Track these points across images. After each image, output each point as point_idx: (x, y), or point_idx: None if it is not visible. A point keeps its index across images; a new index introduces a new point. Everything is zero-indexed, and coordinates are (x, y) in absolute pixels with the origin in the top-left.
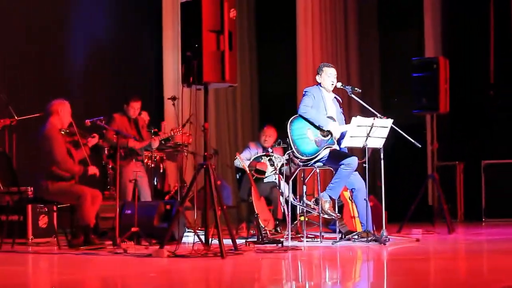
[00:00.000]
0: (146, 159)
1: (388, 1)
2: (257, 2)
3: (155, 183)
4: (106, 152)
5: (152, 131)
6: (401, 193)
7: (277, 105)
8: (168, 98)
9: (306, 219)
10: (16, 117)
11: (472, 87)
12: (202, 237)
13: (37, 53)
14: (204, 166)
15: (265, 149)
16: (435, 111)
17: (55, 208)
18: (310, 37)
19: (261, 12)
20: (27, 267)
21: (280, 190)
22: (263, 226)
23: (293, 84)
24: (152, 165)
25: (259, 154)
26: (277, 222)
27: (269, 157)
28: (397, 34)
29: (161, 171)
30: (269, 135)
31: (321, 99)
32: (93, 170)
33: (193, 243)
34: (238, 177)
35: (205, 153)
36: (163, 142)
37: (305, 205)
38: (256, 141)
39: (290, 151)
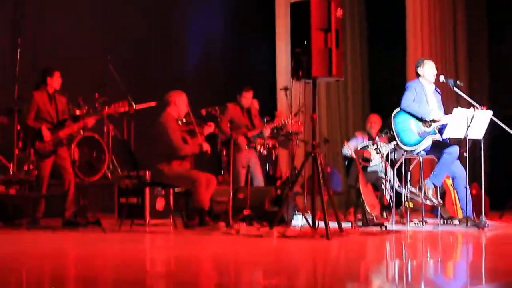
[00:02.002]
0: (259, 146)
1: None
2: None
3: (267, 169)
4: (220, 139)
5: (265, 119)
6: (504, 182)
7: (387, 98)
8: (281, 89)
9: (412, 205)
10: (134, 105)
11: None
12: (310, 220)
13: (156, 46)
14: (312, 155)
15: (371, 137)
16: None
17: (172, 191)
18: (419, 33)
19: (372, 9)
20: (145, 245)
21: (387, 177)
22: (369, 211)
23: (402, 79)
24: (265, 152)
25: (365, 143)
26: (383, 208)
27: (375, 146)
28: (506, 30)
29: (273, 158)
30: (374, 122)
31: (423, 92)
32: (206, 146)
33: (301, 225)
34: (346, 164)
35: (313, 142)
36: (275, 130)
37: (409, 191)
38: (362, 130)
39: (394, 143)
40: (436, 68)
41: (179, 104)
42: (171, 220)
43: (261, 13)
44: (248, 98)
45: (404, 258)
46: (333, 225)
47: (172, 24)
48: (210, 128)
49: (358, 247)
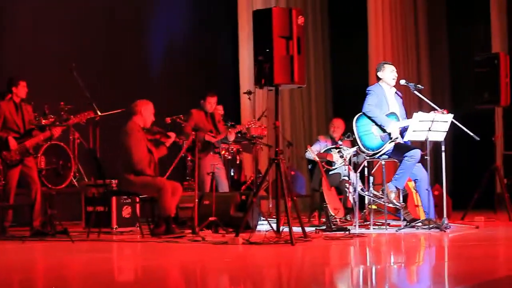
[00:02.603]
0: (223, 151)
1: None
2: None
3: (232, 174)
4: (185, 145)
5: (229, 124)
6: (467, 183)
7: (350, 100)
8: (244, 93)
9: (375, 207)
10: (99, 113)
11: None
12: (274, 226)
13: (118, 52)
14: (275, 161)
15: (334, 141)
16: (497, 104)
17: (137, 199)
18: (381, 34)
19: (334, 9)
20: (113, 254)
21: (350, 181)
22: (333, 215)
23: (365, 83)
24: (229, 157)
25: (328, 147)
26: (347, 211)
27: (338, 149)
28: (464, 29)
29: (238, 162)
30: (337, 126)
31: (383, 96)
32: (170, 140)
33: (266, 231)
34: (310, 168)
35: (276, 149)
36: (239, 135)
37: (372, 195)
38: (325, 134)
39: (356, 146)
40: (398, 72)
41: (145, 113)
42: (138, 228)
43: (225, 19)
44: (212, 103)
45: (368, 263)
46: (297, 230)
47: (136, 30)
48: (171, 139)
49: (322, 252)
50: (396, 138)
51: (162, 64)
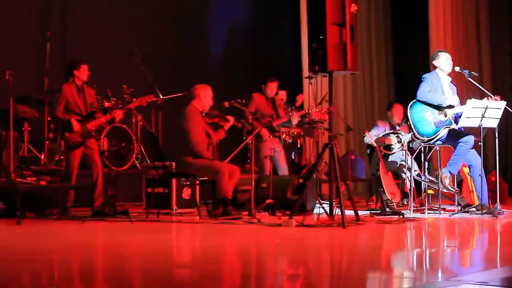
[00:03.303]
0: (284, 135)
1: None
2: None
3: (293, 158)
4: (246, 129)
5: (290, 108)
6: None
7: (411, 86)
8: (305, 77)
9: (432, 192)
10: (161, 96)
11: None
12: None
13: (180, 38)
14: (329, 146)
15: (392, 126)
16: None
17: (197, 181)
18: (442, 20)
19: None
20: (172, 234)
21: (407, 165)
22: (390, 199)
23: (426, 66)
24: (290, 141)
25: (387, 132)
26: (404, 195)
27: (396, 134)
28: None
29: (299, 146)
30: (396, 111)
31: (439, 83)
32: (229, 124)
33: (319, 214)
34: (368, 152)
35: (330, 134)
36: (301, 118)
37: (427, 180)
38: (384, 119)
39: (411, 133)
40: (459, 58)
41: (203, 97)
42: (197, 210)
43: (288, 5)
44: (272, 88)
45: (419, 246)
46: (351, 213)
47: (199, 16)
48: (229, 123)
49: (372, 235)
50: (455, 112)
51: (224, 50)
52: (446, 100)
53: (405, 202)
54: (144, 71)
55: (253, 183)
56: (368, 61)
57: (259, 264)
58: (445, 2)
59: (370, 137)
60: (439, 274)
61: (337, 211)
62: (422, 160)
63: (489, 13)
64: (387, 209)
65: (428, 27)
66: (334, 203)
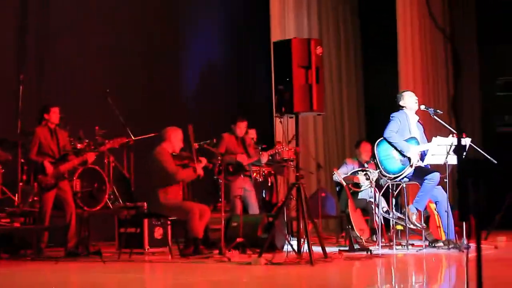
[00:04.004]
0: (254, 174)
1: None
2: (362, 24)
3: (264, 196)
4: (217, 168)
5: (261, 147)
6: (494, 204)
7: (382, 124)
8: (275, 116)
9: (402, 228)
10: (133, 137)
11: None
12: (296, 247)
13: (152, 78)
14: (296, 185)
15: (361, 164)
16: None
17: (168, 221)
18: (411, 59)
19: (366, 34)
20: (144, 274)
21: (376, 202)
22: (359, 236)
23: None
24: (261, 179)
25: (355, 169)
26: (373, 232)
27: (364, 172)
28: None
29: (270, 184)
30: (364, 149)
31: (406, 122)
32: (199, 170)
33: (287, 252)
34: (337, 190)
35: (297, 174)
36: (270, 157)
37: (395, 216)
38: (353, 157)
39: (378, 170)
40: (428, 96)
41: (173, 140)
42: (168, 249)
43: (259, 45)
44: (242, 128)
45: (390, 283)
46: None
47: (172, 57)
48: (201, 164)
49: (341, 273)
50: (416, 162)
51: (196, 90)
52: (409, 150)
53: (374, 239)
54: (116, 113)
55: (223, 222)
56: (338, 99)
57: None
58: (413, 41)
59: (339, 175)
60: None
61: (305, 248)
62: (390, 197)
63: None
64: (356, 246)
65: (397, 65)
66: (302, 241)
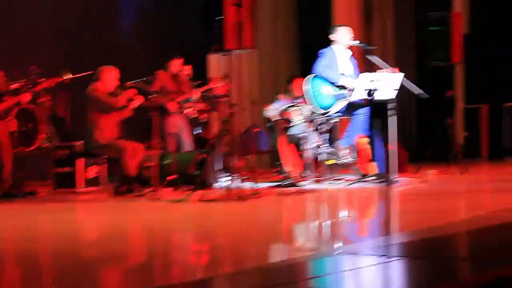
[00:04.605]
0: (188, 110)
1: None
2: None
3: (198, 133)
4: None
5: (196, 84)
6: (426, 136)
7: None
8: (209, 53)
9: (332, 163)
10: (71, 75)
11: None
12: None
13: (91, 19)
14: (227, 121)
15: (294, 100)
16: (448, 61)
17: (104, 160)
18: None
19: None
20: (78, 214)
21: (308, 137)
22: (290, 171)
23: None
24: (195, 115)
25: (288, 105)
26: (306, 167)
27: (297, 107)
28: None
29: (204, 121)
30: (297, 85)
31: (335, 58)
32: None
33: (219, 188)
34: (269, 126)
35: (230, 111)
36: (204, 94)
37: (327, 151)
38: (286, 93)
39: (310, 106)
40: (362, 31)
41: (108, 79)
42: (102, 188)
43: None
44: (177, 65)
45: (317, 217)
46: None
47: None
48: (136, 102)
49: (271, 208)
50: (351, 87)
51: (133, 28)
52: (340, 78)
53: (307, 173)
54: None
55: (156, 159)
56: (273, 37)
57: (163, 240)
58: None
59: (270, 111)
60: (336, 244)
61: (237, 184)
62: (321, 132)
63: None
64: (288, 181)
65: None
66: (233, 177)
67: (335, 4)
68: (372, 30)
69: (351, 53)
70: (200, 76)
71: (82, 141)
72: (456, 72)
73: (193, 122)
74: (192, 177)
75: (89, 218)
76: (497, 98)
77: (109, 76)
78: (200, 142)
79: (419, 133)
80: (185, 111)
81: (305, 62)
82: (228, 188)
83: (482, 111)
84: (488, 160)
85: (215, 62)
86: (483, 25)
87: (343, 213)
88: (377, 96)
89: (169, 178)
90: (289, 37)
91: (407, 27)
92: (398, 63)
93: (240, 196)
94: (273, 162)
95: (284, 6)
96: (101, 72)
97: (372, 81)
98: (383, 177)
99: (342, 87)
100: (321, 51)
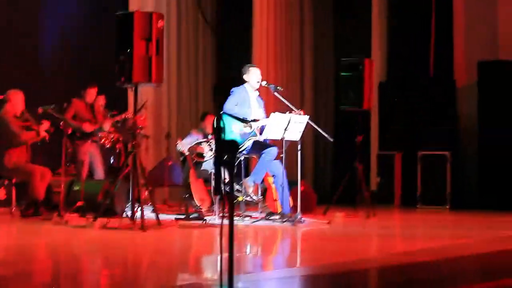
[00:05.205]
0: (102, 140)
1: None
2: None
3: (112, 162)
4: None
5: (110, 113)
6: (338, 179)
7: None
8: (117, 85)
9: (243, 199)
10: None
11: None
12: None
13: (9, 38)
14: (132, 153)
15: (206, 135)
16: (359, 107)
17: (12, 182)
18: (265, 31)
19: (222, 4)
20: None
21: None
22: (199, 206)
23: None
24: (108, 145)
25: (200, 140)
26: (214, 202)
27: (208, 143)
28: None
29: (117, 150)
30: (209, 121)
31: (247, 98)
32: (43, 133)
33: (122, 217)
34: (181, 160)
35: (133, 142)
36: (118, 124)
37: (234, 188)
38: (198, 129)
39: None
40: (281, 70)
41: (14, 101)
42: (9, 210)
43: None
44: (92, 94)
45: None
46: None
47: (31, 18)
48: (44, 126)
49: (170, 239)
50: (257, 128)
51: (52, 53)
52: (251, 114)
53: (214, 209)
54: None
55: (62, 185)
56: (194, 73)
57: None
58: (269, 11)
59: (182, 145)
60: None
61: (143, 215)
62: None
63: (313, 22)
64: (194, 215)
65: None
66: (136, 207)
67: (255, 41)
68: (291, 70)
69: (257, 93)
70: (116, 106)
71: None
72: (371, 118)
73: (107, 152)
74: (99, 205)
75: None
76: (411, 146)
77: (16, 98)
78: (112, 171)
79: (333, 175)
80: (97, 140)
81: (222, 98)
82: (132, 218)
83: (396, 158)
84: (400, 206)
85: (131, 93)
86: (400, 73)
87: (246, 248)
88: (287, 137)
89: (77, 204)
90: (207, 73)
91: (327, 70)
92: (316, 105)
93: (143, 226)
94: (184, 195)
95: (204, 40)
96: (8, 94)
97: (281, 122)
98: (289, 216)
99: (253, 121)
100: (233, 89)
